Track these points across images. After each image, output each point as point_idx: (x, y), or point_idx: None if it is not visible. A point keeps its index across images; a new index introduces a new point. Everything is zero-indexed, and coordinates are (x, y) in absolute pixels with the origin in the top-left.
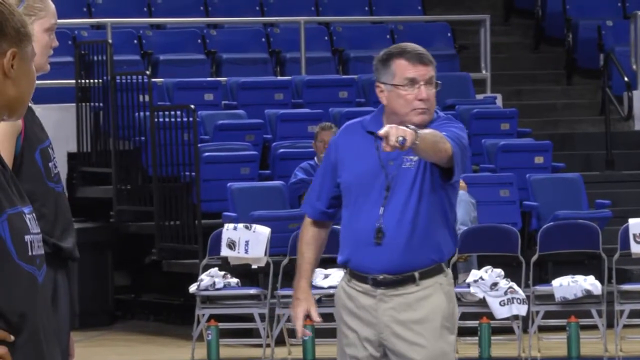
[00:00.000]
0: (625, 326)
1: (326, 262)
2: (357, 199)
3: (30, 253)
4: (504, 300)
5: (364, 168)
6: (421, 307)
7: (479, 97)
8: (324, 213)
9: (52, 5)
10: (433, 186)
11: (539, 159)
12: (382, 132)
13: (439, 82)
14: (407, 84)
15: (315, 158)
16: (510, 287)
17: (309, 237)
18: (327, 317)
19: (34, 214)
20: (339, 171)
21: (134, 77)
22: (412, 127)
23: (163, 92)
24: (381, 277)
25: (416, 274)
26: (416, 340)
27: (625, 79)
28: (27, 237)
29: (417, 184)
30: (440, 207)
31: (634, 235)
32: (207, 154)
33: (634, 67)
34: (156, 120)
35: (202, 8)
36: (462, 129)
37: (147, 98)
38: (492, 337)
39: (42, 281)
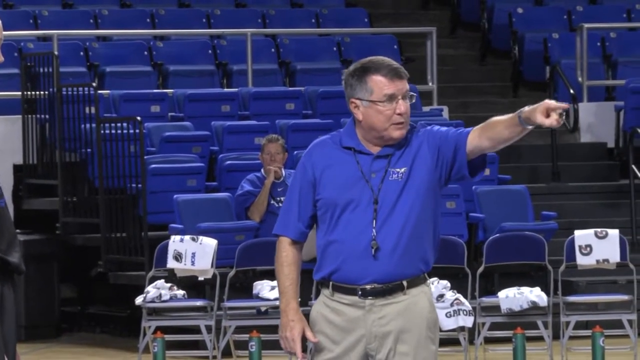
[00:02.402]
0: (571, 337)
1: (272, 274)
2: (342, 213)
3: None
4: (450, 312)
5: (348, 183)
6: (408, 316)
7: (426, 109)
8: (303, 233)
9: None
10: (421, 198)
11: (485, 171)
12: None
13: (413, 94)
14: (386, 100)
15: (262, 170)
16: (456, 299)
17: (290, 257)
18: (272, 329)
19: None
20: (318, 188)
21: (80, 89)
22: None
23: (109, 104)
24: (370, 287)
25: (404, 283)
26: (403, 350)
27: (571, 91)
28: None
29: (406, 196)
30: (428, 218)
31: (580, 247)
32: (153, 165)
33: (580, 79)
34: (102, 132)
35: (148, 20)
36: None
37: (93, 110)
38: (439, 349)
39: None
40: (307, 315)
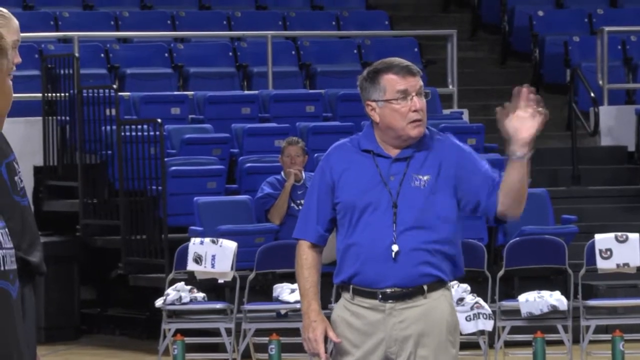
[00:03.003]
0: (591, 342)
1: (292, 277)
2: (361, 217)
3: (3, 268)
4: (470, 316)
5: (367, 186)
6: (428, 320)
7: (446, 112)
8: (322, 236)
9: (16, 22)
10: (442, 208)
11: None
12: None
13: (428, 91)
14: (400, 97)
15: (282, 172)
16: (476, 302)
17: (310, 261)
18: (292, 332)
19: (6, 229)
20: (336, 192)
21: (101, 90)
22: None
23: (130, 106)
24: (390, 290)
25: (425, 287)
26: (423, 353)
27: (592, 94)
28: (0, 252)
29: (428, 203)
30: (452, 225)
31: (600, 250)
32: (173, 168)
33: (600, 82)
34: (123, 134)
35: (169, 22)
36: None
37: (113, 112)
38: (459, 352)
39: (15, 297)
40: (328, 318)
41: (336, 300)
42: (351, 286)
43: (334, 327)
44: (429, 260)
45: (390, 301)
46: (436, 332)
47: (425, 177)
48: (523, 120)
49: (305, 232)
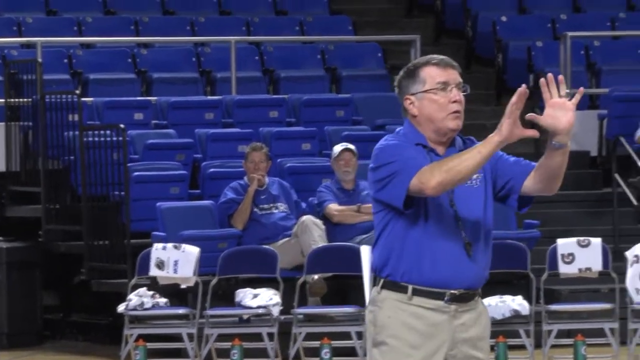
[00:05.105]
0: (553, 346)
1: (255, 282)
2: (425, 213)
3: None
4: None
5: None
6: (480, 323)
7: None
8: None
9: None
10: (491, 207)
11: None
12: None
13: (467, 86)
14: (440, 88)
15: (245, 178)
16: None
17: (439, 162)
18: (254, 337)
19: None
20: None
21: (64, 96)
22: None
23: (93, 112)
24: (459, 292)
25: (479, 290)
26: (480, 356)
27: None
28: None
29: (483, 203)
30: (492, 227)
31: (562, 255)
32: (136, 173)
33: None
34: (85, 139)
35: (132, 27)
36: None
37: (76, 117)
38: None
39: None
40: (287, 323)
41: (304, 304)
42: (411, 286)
43: (384, 329)
44: (488, 262)
45: (455, 303)
46: (487, 336)
47: (475, 176)
48: (558, 111)
49: (416, 166)
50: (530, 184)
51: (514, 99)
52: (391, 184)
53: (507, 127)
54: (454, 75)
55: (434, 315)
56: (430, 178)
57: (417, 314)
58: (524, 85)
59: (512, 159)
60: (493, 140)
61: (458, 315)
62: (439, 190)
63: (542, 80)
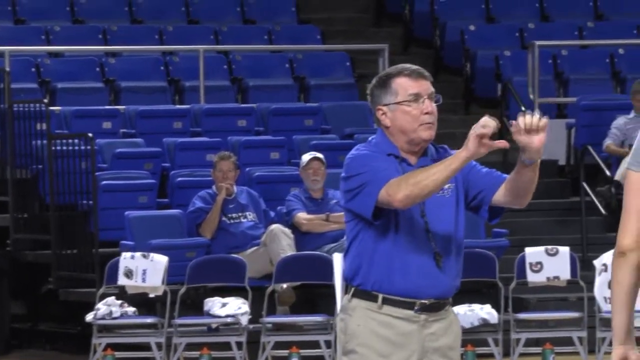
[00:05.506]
0: (521, 354)
1: (224, 291)
2: (396, 224)
3: None
4: None
5: None
6: (451, 333)
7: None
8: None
9: None
10: (462, 217)
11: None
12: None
13: (440, 96)
14: (412, 100)
15: (214, 187)
16: None
17: (408, 174)
18: (223, 346)
19: None
20: None
21: (32, 105)
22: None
23: (61, 120)
24: (430, 302)
25: (450, 299)
26: None
27: (523, 108)
28: None
29: (453, 213)
30: (463, 237)
31: (531, 264)
32: (104, 182)
33: (532, 96)
34: (54, 148)
35: (100, 36)
36: None
37: (44, 126)
38: None
39: None
40: (256, 332)
41: (272, 312)
42: (381, 295)
43: (354, 337)
44: (459, 272)
45: (425, 313)
46: (458, 346)
47: (447, 186)
48: (532, 133)
49: (385, 177)
50: (500, 197)
51: (485, 132)
52: (361, 194)
53: (474, 143)
54: (425, 86)
55: (403, 324)
56: (398, 191)
57: (386, 323)
58: (504, 142)
59: (484, 170)
60: (461, 156)
61: (428, 325)
62: (406, 203)
63: (513, 125)
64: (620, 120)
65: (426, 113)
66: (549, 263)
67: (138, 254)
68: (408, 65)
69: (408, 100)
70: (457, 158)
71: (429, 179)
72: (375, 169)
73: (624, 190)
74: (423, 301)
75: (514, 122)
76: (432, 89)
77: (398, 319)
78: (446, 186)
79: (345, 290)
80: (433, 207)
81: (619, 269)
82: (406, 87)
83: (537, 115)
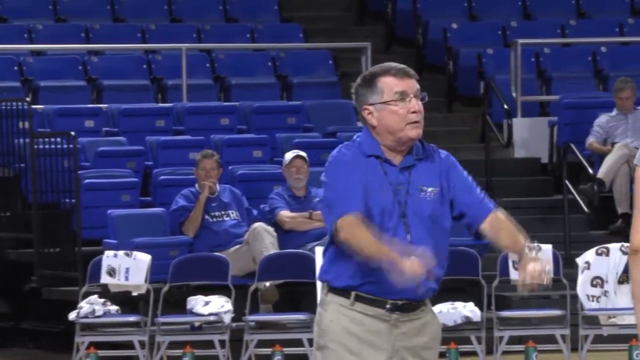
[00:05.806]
0: (504, 352)
1: (206, 289)
2: (374, 223)
3: None
4: None
5: (378, 193)
6: (427, 333)
7: (361, 124)
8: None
9: None
10: (446, 220)
11: None
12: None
13: (425, 94)
14: (398, 99)
15: (197, 185)
16: None
17: (364, 226)
18: (206, 345)
19: None
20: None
21: (14, 103)
22: (528, 247)
23: (43, 119)
24: (402, 302)
25: (427, 300)
26: None
27: (505, 106)
28: None
29: (435, 215)
30: (447, 239)
31: (513, 262)
32: (87, 180)
33: (514, 94)
34: (36, 146)
35: (83, 35)
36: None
37: (27, 124)
38: None
39: None
40: (239, 330)
41: (255, 311)
42: (354, 292)
43: (325, 333)
44: (438, 274)
45: (397, 312)
46: (435, 346)
47: (431, 189)
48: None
49: (349, 205)
50: (483, 231)
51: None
52: (327, 209)
53: (414, 270)
54: (411, 84)
55: (374, 322)
56: (345, 231)
57: (357, 320)
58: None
59: (468, 185)
60: (394, 257)
61: (399, 324)
62: (343, 243)
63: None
64: (602, 118)
65: (413, 112)
66: None
67: (121, 253)
68: (393, 64)
69: (394, 100)
70: (392, 256)
71: (366, 248)
72: (344, 191)
73: (633, 188)
74: (395, 301)
75: (521, 273)
76: (417, 87)
77: (369, 316)
78: (429, 189)
79: (322, 285)
80: (414, 208)
81: (634, 267)
82: (392, 86)
83: (545, 276)
